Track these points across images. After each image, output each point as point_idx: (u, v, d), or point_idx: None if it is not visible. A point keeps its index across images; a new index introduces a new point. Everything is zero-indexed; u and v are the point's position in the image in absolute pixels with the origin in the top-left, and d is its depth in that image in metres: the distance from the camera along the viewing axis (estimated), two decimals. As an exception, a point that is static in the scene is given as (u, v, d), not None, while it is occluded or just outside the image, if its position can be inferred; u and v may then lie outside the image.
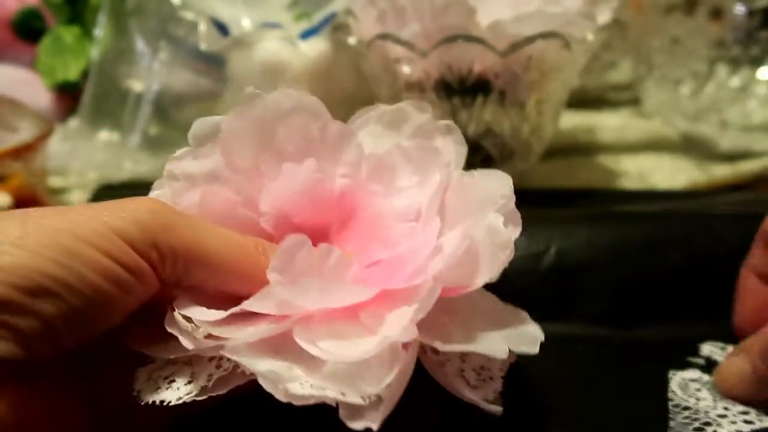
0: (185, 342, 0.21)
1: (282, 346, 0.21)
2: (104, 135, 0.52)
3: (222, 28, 0.46)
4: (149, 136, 0.50)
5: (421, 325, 0.20)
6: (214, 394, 0.21)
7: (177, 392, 0.21)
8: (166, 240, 0.21)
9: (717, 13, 0.50)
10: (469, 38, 0.36)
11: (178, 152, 0.25)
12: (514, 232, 0.23)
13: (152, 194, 0.25)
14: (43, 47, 0.56)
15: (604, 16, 0.39)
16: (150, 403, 0.20)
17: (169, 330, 0.21)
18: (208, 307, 0.22)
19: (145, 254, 0.20)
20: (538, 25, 0.36)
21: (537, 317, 0.23)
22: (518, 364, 0.23)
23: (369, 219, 0.26)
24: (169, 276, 0.21)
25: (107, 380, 0.22)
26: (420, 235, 0.24)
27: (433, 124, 0.26)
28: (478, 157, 0.42)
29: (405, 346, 0.20)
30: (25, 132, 0.42)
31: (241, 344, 0.20)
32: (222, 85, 0.51)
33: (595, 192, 0.43)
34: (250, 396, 0.20)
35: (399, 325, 0.20)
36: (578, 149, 0.51)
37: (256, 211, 0.25)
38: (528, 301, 0.25)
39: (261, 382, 0.19)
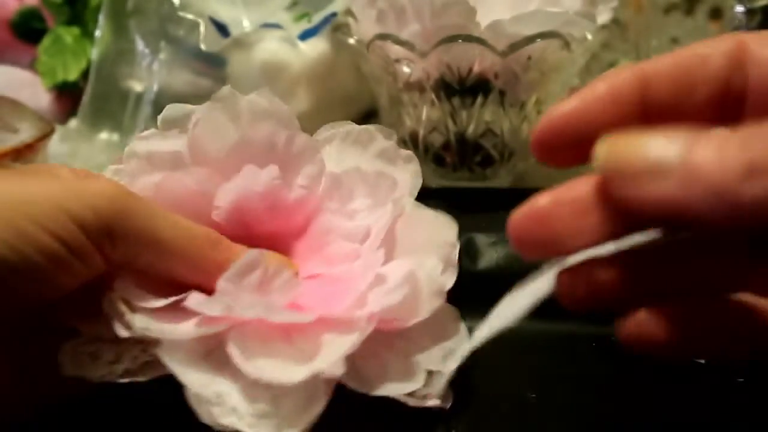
0: (119, 330, 0.21)
1: (213, 347, 0.22)
2: (104, 135, 0.52)
3: (222, 29, 0.46)
4: (149, 136, 0.50)
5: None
6: (135, 379, 0.21)
7: (99, 370, 0.21)
8: (120, 227, 0.21)
9: (717, 13, 0.50)
10: (469, 38, 0.36)
11: (145, 132, 0.26)
12: (449, 280, 0.24)
13: (111, 168, 0.25)
14: (42, 48, 0.56)
15: (604, 16, 0.39)
16: (72, 376, 0.21)
17: (106, 311, 0.22)
18: (151, 291, 0.22)
19: (96, 240, 0.21)
20: (538, 25, 0.36)
21: (536, 315, 0.23)
22: (519, 362, 0.23)
23: (317, 232, 0.27)
24: (118, 259, 0.22)
25: (44, 349, 0.22)
26: (362, 259, 0.25)
27: (396, 151, 0.27)
28: (478, 157, 0.42)
29: (328, 381, 0.21)
30: (25, 132, 0.42)
31: (175, 346, 0.21)
32: (222, 85, 0.51)
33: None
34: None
35: (330, 357, 0.21)
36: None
37: (210, 204, 0.26)
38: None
39: (187, 396, 0.20)
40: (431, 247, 0.24)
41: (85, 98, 0.52)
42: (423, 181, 0.43)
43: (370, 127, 0.28)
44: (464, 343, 0.24)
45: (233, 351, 0.21)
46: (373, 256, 0.24)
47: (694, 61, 0.19)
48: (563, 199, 0.20)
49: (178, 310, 0.22)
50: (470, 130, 0.41)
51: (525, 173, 0.44)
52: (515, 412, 0.24)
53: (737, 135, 0.16)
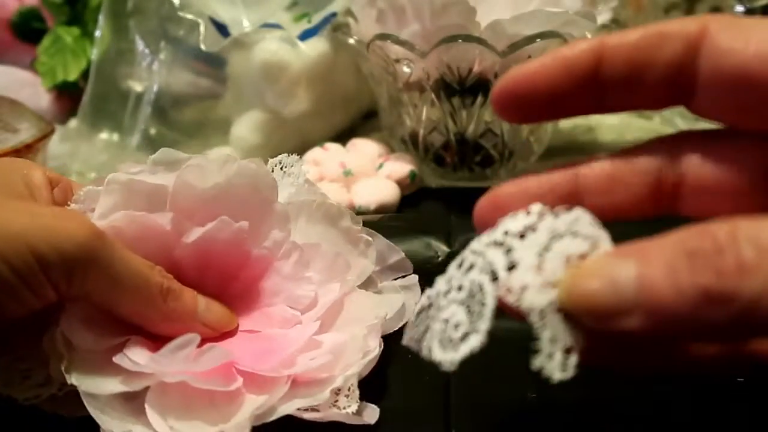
0: (54, 373, 0.23)
1: (135, 397, 0.23)
2: (104, 136, 0.52)
3: (222, 29, 0.46)
4: (149, 136, 0.50)
5: None
6: (58, 412, 0.23)
7: (26, 392, 0.23)
8: (82, 273, 0.22)
9: (716, 12, 0.50)
10: (469, 38, 0.36)
11: (134, 168, 0.27)
12: (374, 348, 0.25)
13: (86, 188, 0.26)
14: (42, 48, 0.56)
15: (603, 16, 0.39)
16: None
17: (46, 348, 0.23)
18: (96, 327, 0.24)
19: (55, 280, 0.21)
20: (538, 25, 0.36)
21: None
22: (519, 362, 0.23)
23: (267, 290, 0.29)
24: (71, 296, 0.23)
25: None
26: (299, 328, 0.27)
27: (358, 234, 0.29)
28: (478, 157, 0.42)
29: None
30: (25, 132, 0.42)
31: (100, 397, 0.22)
32: (222, 85, 0.51)
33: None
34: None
35: (240, 417, 0.22)
36: (578, 149, 0.51)
37: (176, 241, 0.27)
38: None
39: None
40: (364, 321, 0.26)
41: (85, 98, 0.52)
42: (423, 181, 0.43)
43: (343, 208, 0.29)
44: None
45: (150, 412, 0.22)
46: (308, 328, 0.27)
47: (653, 41, 0.19)
48: (525, 188, 0.22)
49: (114, 351, 0.23)
50: (470, 130, 0.41)
51: (525, 173, 0.44)
52: (515, 412, 0.24)
53: (682, 252, 0.16)
